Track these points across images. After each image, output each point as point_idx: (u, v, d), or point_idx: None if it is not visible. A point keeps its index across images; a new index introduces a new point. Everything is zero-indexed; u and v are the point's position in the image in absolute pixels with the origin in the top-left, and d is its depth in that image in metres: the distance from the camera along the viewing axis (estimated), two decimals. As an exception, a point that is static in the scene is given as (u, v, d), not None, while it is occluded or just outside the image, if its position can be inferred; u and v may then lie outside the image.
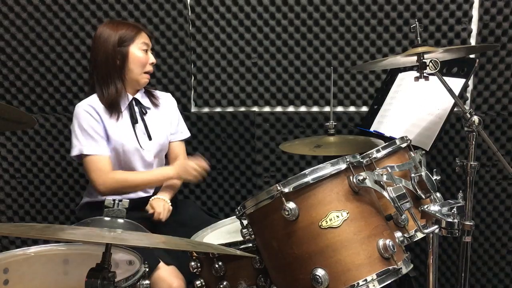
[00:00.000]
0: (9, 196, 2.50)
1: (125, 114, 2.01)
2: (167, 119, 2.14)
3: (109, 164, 1.94)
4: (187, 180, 2.05)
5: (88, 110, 1.93)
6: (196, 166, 1.99)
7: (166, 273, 1.76)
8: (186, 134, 2.22)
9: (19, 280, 1.49)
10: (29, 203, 2.51)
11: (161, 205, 1.97)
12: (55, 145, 2.47)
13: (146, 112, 2.06)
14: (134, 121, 2.01)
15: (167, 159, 2.18)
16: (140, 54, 1.96)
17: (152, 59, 2.02)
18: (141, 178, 1.99)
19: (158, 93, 2.17)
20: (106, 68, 1.95)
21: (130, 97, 2.02)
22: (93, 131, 1.92)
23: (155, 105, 2.10)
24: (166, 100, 2.17)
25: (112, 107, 1.96)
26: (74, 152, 1.94)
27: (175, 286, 1.75)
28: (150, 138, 2.04)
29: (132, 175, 1.99)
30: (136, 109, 2.03)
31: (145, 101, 2.08)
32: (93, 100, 1.96)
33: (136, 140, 1.99)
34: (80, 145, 1.92)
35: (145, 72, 2.00)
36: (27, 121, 1.29)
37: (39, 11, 2.37)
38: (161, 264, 1.77)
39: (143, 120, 2.04)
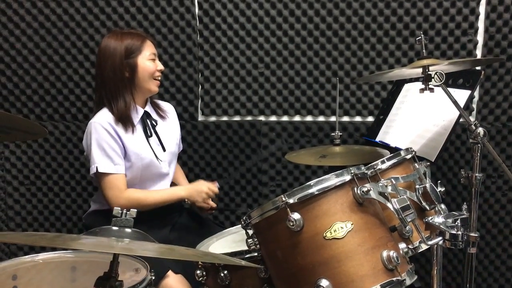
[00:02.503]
0: (18, 203, 2.53)
1: (139, 128, 1.99)
2: (174, 128, 2.17)
3: (124, 182, 1.91)
4: (195, 202, 2.03)
5: (105, 127, 1.88)
6: (208, 190, 2.02)
7: (174, 281, 1.77)
8: (181, 146, 2.31)
9: (27, 287, 1.51)
10: (37, 209, 2.54)
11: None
12: (64, 153, 2.50)
13: (157, 124, 2.07)
14: (148, 135, 2.01)
15: None
16: (149, 64, 1.96)
17: (160, 66, 2.01)
18: (154, 198, 1.96)
19: (162, 104, 2.18)
20: (114, 81, 1.92)
21: (141, 110, 2.01)
22: (110, 148, 1.88)
23: (162, 117, 2.12)
24: (170, 110, 2.19)
25: (124, 121, 1.92)
26: (92, 170, 1.89)
27: None
28: (164, 149, 2.05)
29: (144, 194, 1.96)
30: (148, 121, 2.04)
31: (153, 114, 2.09)
32: (108, 116, 1.92)
33: (152, 153, 1.99)
34: (96, 162, 1.88)
35: (155, 79, 2.00)
36: (38, 132, 1.31)
37: (49, 20, 2.41)
38: (170, 272, 1.78)
39: (155, 132, 2.05)
